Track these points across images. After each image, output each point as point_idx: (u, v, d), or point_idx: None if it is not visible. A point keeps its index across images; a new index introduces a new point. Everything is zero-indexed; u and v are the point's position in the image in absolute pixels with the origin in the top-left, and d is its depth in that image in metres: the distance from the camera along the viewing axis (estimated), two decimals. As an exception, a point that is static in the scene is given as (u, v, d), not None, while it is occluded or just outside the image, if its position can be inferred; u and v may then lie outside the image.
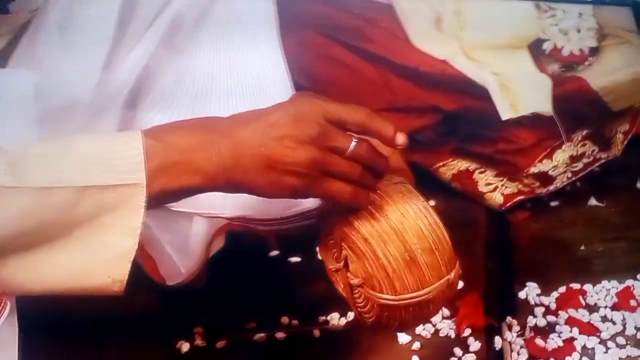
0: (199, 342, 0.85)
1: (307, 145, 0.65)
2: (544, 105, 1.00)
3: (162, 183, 0.64)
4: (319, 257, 0.74)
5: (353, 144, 0.67)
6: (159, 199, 0.65)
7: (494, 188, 1.03)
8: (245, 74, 0.79)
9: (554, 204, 1.03)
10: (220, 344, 0.85)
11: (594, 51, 1.04)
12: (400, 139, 0.69)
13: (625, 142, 1.04)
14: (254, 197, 0.71)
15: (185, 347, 0.85)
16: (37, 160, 0.62)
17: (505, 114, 1.00)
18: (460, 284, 0.91)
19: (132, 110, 0.78)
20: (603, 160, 1.04)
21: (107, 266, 0.63)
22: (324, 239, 0.73)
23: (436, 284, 0.68)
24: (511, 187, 1.03)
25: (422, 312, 0.69)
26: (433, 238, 0.68)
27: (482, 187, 1.03)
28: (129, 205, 0.63)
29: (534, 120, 1.01)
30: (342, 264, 0.70)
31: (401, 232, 0.68)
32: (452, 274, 0.69)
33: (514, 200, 1.02)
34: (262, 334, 0.85)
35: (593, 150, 1.04)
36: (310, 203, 0.76)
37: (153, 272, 0.84)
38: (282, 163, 0.65)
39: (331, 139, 0.66)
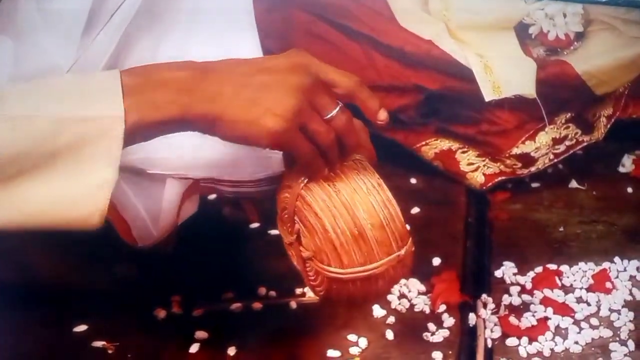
0: (175, 310, 0.85)
1: (295, 93, 0.65)
2: (527, 88, 0.99)
3: (138, 116, 0.63)
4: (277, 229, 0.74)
5: (337, 109, 0.66)
6: (135, 133, 0.64)
7: (476, 168, 1.03)
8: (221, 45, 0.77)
9: (535, 185, 1.03)
10: (197, 312, 0.84)
11: (579, 36, 1.03)
12: (383, 115, 0.68)
13: (609, 126, 1.04)
14: (224, 156, 0.70)
15: (162, 314, 0.84)
16: (15, 92, 0.62)
17: (489, 95, 0.99)
18: (437, 261, 0.91)
19: None
20: (585, 144, 1.03)
21: (88, 196, 0.63)
22: (279, 212, 0.72)
23: (385, 259, 0.68)
24: (493, 168, 1.03)
25: (370, 287, 0.69)
26: (384, 214, 0.67)
27: (463, 167, 1.03)
28: (108, 137, 0.62)
29: (517, 103, 1.00)
30: (294, 237, 0.70)
31: (351, 207, 0.67)
32: (403, 251, 0.68)
33: (495, 180, 1.02)
34: (238, 304, 0.85)
35: (576, 133, 1.03)
36: (278, 167, 0.75)
37: (126, 235, 0.82)
38: (267, 102, 0.64)
39: (319, 96, 0.66)
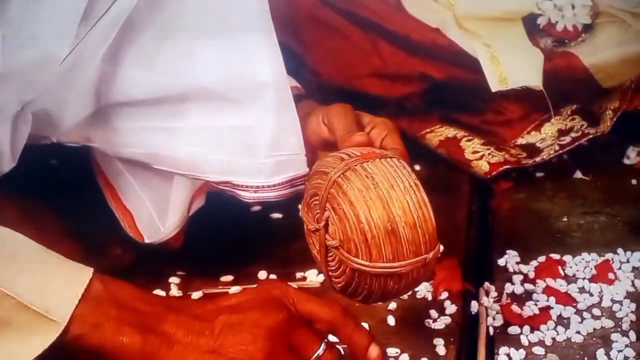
0: (174, 292, 0.83)
1: (265, 338, 0.57)
2: (534, 79, 0.98)
3: (84, 331, 0.57)
4: (300, 215, 0.72)
5: (321, 348, 0.60)
6: (71, 346, 0.57)
7: (481, 156, 1.01)
8: (235, 50, 0.72)
9: (539, 174, 1.01)
10: (196, 294, 0.83)
11: (587, 28, 1.01)
12: (375, 351, 0.62)
13: (615, 119, 1.02)
14: (241, 159, 0.67)
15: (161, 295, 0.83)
16: None
17: (495, 86, 0.97)
18: (440, 248, 0.90)
19: (112, 65, 0.74)
20: (591, 136, 1.01)
21: None
22: (307, 199, 0.71)
23: (412, 259, 0.66)
24: (498, 156, 1.01)
25: (391, 286, 0.67)
26: (418, 215, 0.66)
27: (468, 155, 1.01)
28: (38, 336, 0.56)
29: (523, 93, 0.98)
30: (322, 224, 0.68)
31: (387, 202, 0.66)
32: (431, 255, 0.67)
33: (500, 169, 1.00)
34: (238, 287, 0.83)
35: (582, 125, 1.01)
36: (299, 169, 0.73)
37: (131, 228, 0.81)
38: (231, 353, 0.57)
39: (296, 335, 0.60)
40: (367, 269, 0.66)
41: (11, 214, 0.78)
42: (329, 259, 0.69)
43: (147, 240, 0.81)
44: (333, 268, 0.69)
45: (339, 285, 0.69)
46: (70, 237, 0.82)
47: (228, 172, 0.74)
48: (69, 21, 0.69)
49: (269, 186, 0.75)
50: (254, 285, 0.63)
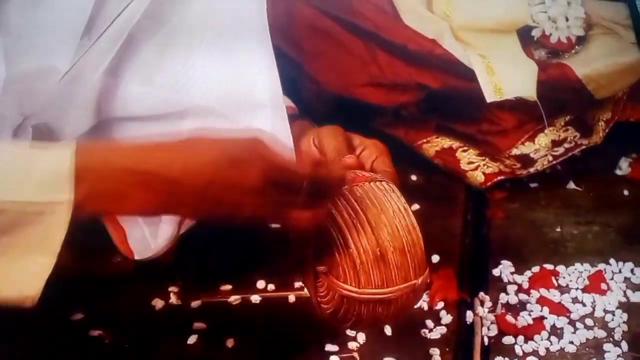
0: (173, 300, 0.83)
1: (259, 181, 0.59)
2: (528, 90, 0.98)
3: (89, 205, 0.58)
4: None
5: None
6: (85, 218, 0.59)
7: (476, 167, 1.02)
8: (233, 69, 0.73)
9: (532, 184, 1.02)
10: (195, 304, 0.83)
11: (581, 40, 1.02)
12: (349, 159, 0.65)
13: (607, 130, 1.02)
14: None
15: (159, 304, 0.83)
16: None
17: (490, 96, 0.98)
18: (436, 258, 0.90)
19: (113, 78, 0.74)
20: (584, 147, 1.02)
21: (20, 282, 0.59)
22: None
23: (401, 285, 0.65)
24: (492, 167, 1.02)
25: (380, 312, 0.66)
26: (407, 240, 0.65)
27: (464, 165, 1.02)
28: (51, 224, 0.58)
29: (517, 104, 0.99)
30: (310, 250, 0.67)
31: (376, 227, 0.65)
32: (420, 280, 0.66)
33: (495, 179, 1.01)
34: (237, 297, 0.84)
35: (575, 136, 1.02)
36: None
37: (122, 244, 0.81)
38: (235, 198, 0.59)
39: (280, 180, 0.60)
40: (356, 295, 0.66)
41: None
42: (318, 284, 0.68)
43: (136, 257, 0.81)
44: (322, 294, 0.68)
45: (327, 312, 0.68)
46: (68, 245, 0.82)
47: None
48: (70, 34, 0.69)
49: None
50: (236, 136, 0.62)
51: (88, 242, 0.83)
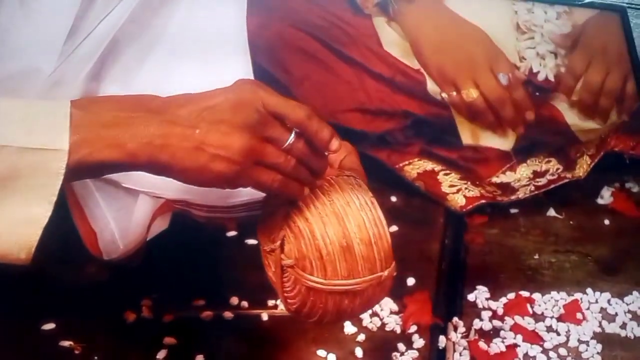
0: (145, 314, 0.82)
1: (242, 132, 0.62)
2: (505, 144, 0.97)
3: (83, 154, 0.60)
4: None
5: (291, 137, 0.63)
6: (78, 171, 0.60)
7: (457, 190, 1.00)
8: (210, 81, 0.70)
9: (513, 210, 1.00)
10: (167, 318, 0.82)
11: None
12: (335, 145, 0.65)
13: (592, 165, 1.00)
14: None
15: (131, 317, 0.81)
16: None
17: (467, 139, 0.97)
18: (412, 281, 0.89)
19: (95, 82, 0.74)
20: (567, 180, 1.00)
21: (16, 231, 0.59)
22: (265, 218, 0.69)
23: (367, 277, 0.65)
24: (474, 191, 1.00)
25: (346, 304, 0.66)
26: (374, 232, 0.65)
27: (445, 188, 1.00)
28: (47, 171, 0.58)
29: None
30: (278, 243, 0.67)
31: (343, 218, 0.65)
32: (386, 272, 0.66)
33: (476, 203, 0.99)
34: (209, 312, 0.82)
35: (557, 169, 1.00)
36: (255, 194, 0.71)
37: (92, 246, 0.79)
38: (213, 147, 0.61)
39: (269, 129, 0.63)
40: (322, 286, 0.65)
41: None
42: (284, 279, 0.68)
43: (105, 257, 0.80)
44: (288, 289, 0.68)
45: (294, 307, 0.68)
46: (42, 253, 0.82)
47: (184, 190, 0.73)
48: (55, 37, 0.69)
49: (223, 207, 0.74)
50: (228, 85, 0.64)
51: (61, 251, 0.82)
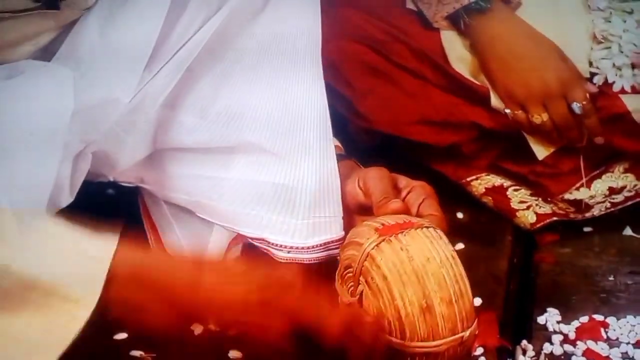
0: (212, 326, 0.82)
1: None
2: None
3: (112, 311, 0.61)
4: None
5: None
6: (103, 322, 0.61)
7: (528, 206, 0.96)
8: (285, 107, 0.72)
9: (587, 229, 0.96)
10: (232, 331, 0.79)
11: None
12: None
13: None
14: (279, 217, 0.68)
15: (198, 329, 0.79)
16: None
17: (541, 153, 0.93)
18: (478, 301, 0.85)
19: (171, 110, 0.74)
20: (646, 197, 0.95)
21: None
22: (341, 270, 0.67)
23: (449, 338, 0.62)
24: (545, 208, 0.96)
25: None
26: (455, 290, 0.62)
27: (514, 204, 0.96)
28: (70, 318, 0.60)
29: (575, 148, 0.93)
30: (356, 298, 0.65)
31: (423, 277, 0.62)
32: (468, 332, 0.63)
33: (547, 220, 0.95)
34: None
35: (635, 185, 0.95)
36: (335, 232, 0.71)
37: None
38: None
39: None
40: (401, 348, 0.63)
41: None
42: None
43: None
44: None
45: None
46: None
47: (265, 228, 0.72)
48: (134, 66, 0.69)
49: (303, 248, 0.73)
50: None
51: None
